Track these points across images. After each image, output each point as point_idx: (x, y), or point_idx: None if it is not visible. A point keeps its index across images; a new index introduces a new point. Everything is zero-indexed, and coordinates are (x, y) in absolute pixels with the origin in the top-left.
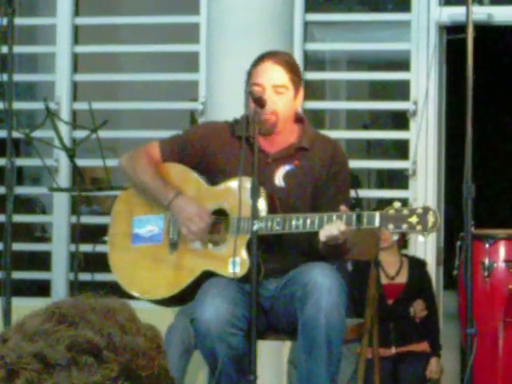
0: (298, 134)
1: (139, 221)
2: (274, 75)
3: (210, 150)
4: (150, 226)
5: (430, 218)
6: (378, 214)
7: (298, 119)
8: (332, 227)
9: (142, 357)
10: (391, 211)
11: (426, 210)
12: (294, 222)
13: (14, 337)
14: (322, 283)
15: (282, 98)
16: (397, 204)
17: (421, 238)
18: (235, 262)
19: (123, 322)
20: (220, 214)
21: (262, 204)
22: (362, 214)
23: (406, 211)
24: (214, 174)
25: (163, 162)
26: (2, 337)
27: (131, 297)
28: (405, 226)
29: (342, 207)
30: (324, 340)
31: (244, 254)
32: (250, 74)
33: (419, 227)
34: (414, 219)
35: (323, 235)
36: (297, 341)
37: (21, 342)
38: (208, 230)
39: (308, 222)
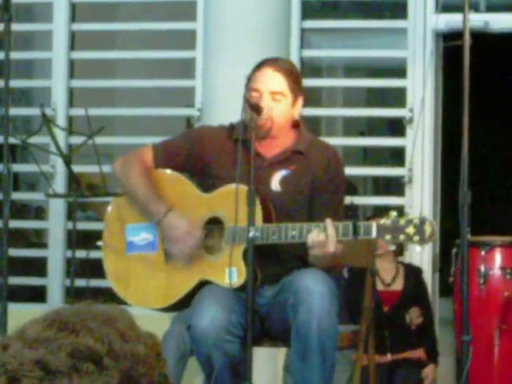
0: (294, 138)
1: (133, 228)
2: (272, 82)
3: (204, 154)
4: (144, 233)
5: (427, 229)
6: (374, 225)
7: (295, 124)
8: (313, 235)
9: (142, 364)
10: (388, 222)
11: (423, 220)
12: (290, 232)
13: (14, 344)
14: (313, 289)
15: (279, 105)
16: (393, 214)
17: (418, 248)
18: (231, 271)
19: (123, 330)
20: (214, 222)
21: (257, 213)
22: (359, 224)
23: (402, 222)
24: (208, 179)
25: (156, 167)
26: (3, 344)
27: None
28: (402, 237)
29: (328, 220)
30: (317, 345)
31: (241, 263)
32: (249, 79)
33: (416, 238)
34: (410, 230)
35: (309, 239)
36: (290, 346)
37: (22, 349)
38: (197, 247)
39: (304, 231)
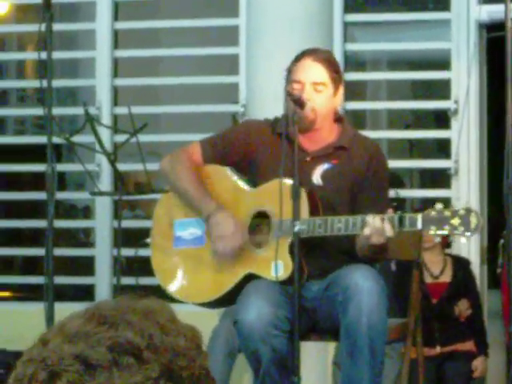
0: (337, 134)
1: (181, 223)
2: (313, 73)
3: (251, 148)
4: (192, 228)
5: (473, 220)
6: (420, 217)
7: (338, 119)
8: (369, 219)
9: (183, 357)
10: (433, 213)
11: (469, 211)
12: (335, 225)
13: (54, 339)
14: (362, 286)
15: (321, 95)
16: (439, 205)
17: (463, 240)
18: (277, 265)
19: (163, 323)
20: (262, 217)
21: (303, 206)
22: (404, 216)
23: (448, 213)
24: (254, 173)
25: (204, 163)
26: (43, 339)
27: (175, 300)
28: (447, 228)
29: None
30: (366, 343)
31: (287, 256)
32: (289, 71)
33: (461, 229)
34: (456, 221)
35: (367, 230)
36: (340, 344)
37: (61, 343)
38: (236, 252)
39: (350, 224)
